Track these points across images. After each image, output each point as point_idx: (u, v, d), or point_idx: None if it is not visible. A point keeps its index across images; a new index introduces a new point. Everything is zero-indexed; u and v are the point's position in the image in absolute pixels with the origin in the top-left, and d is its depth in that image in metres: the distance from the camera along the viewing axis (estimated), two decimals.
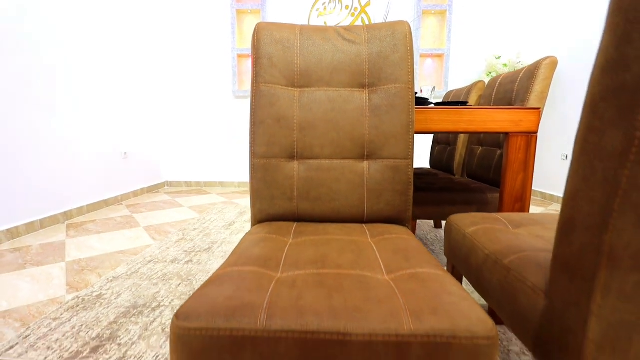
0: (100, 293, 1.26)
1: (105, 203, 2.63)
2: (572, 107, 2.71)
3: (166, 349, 0.95)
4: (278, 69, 0.80)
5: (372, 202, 0.79)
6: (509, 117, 0.98)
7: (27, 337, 1.00)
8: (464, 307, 0.41)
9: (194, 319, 0.40)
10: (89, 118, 2.46)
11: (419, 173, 1.80)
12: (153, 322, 1.08)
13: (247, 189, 3.63)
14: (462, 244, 0.76)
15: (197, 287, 1.32)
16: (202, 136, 3.56)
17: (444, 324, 0.39)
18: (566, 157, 2.79)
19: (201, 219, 2.34)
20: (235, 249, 0.59)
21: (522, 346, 0.93)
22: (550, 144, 2.94)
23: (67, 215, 2.24)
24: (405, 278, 0.48)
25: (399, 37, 0.80)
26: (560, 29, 2.81)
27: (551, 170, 2.93)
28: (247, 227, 2.18)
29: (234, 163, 3.59)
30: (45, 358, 0.90)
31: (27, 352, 0.93)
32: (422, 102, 1.17)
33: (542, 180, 3.01)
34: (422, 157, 3.53)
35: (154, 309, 1.15)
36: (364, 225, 0.78)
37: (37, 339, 0.98)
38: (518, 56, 3.04)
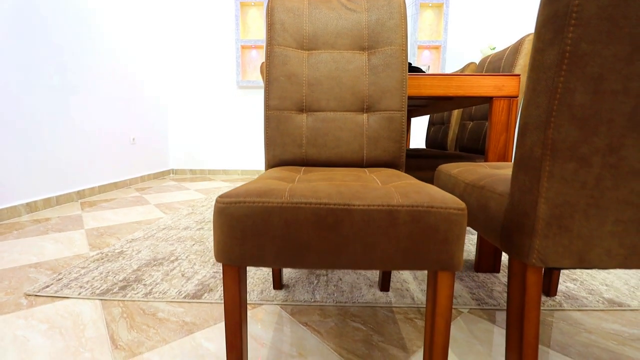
0: (122, 250, 1.38)
1: (115, 185, 2.74)
2: None
3: (188, 287, 1.06)
4: (289, 34, 0.92)
5: (371, 149, 0.91)
6: (493, 82, 1.10)
7: (60, 279, 1.11)
8: (442, 194, 0.53)
9: (233, 197, 0.51)
10: (101, 103, 2.57)
11: (413, 152, 1.92)
12: (173, 270, 1.19)
13: (251, 177, 3.74)
14: (447, 182, 0.88)
15: (210, 247, 1.44)
16: (206, 125, 3.67)
17: (424, 199, 0.51)
18: None
19: (208, 198, 2.46)
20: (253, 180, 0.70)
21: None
22: None
23: (80, 194, 2.35)
24: (397, 184, 0.60)
25: (394, 5, 0.92)
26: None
27: None
28: None
29: (238, 151, 3.71)
30: (79, 293, 1.02)
31: (62, 289, 1.04)
32: (416, 71, 1.29)
33: None
34: (416, 140, 3.65)
35: (172, 261, 1.27)
36: (364, 168, 0.90)
37: (70, 281, 1.10)
38: None
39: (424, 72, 1.35)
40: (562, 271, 1.24)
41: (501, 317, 0.94)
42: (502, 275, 1.21)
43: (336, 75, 0.92)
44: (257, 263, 0.53)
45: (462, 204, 0.51)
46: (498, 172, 0.76)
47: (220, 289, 1.05)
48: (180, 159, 3.73)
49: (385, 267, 0.52)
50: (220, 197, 0.52)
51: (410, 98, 1.19)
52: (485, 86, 1.10)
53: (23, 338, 0.81)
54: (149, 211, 2.06)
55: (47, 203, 2.08)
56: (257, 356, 0.75)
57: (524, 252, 0.56)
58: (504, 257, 1.40)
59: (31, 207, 1.96)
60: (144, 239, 1.51)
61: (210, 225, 1.74)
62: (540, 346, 0.83)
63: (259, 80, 3.53)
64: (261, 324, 0.88)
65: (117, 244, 1.44)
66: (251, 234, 0.51)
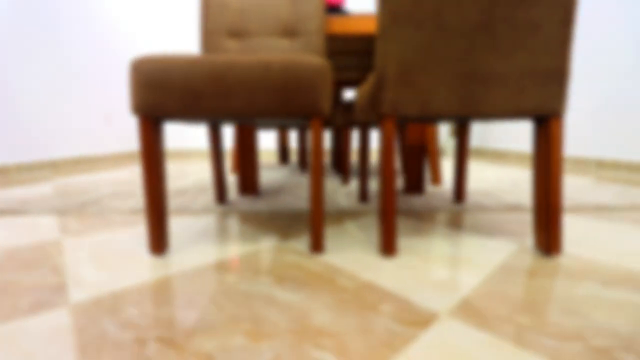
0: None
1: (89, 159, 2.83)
2: None
3: (137, 204, 1.18)
4: None
5: None
6: None
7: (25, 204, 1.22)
8: (310, 56, 0.67)
9: (145, 57, 0.65)
10: (77, 77, 2.66)
11: None
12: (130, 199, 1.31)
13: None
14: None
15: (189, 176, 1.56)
16: None
17: (294, 57, 0.65)
18: None
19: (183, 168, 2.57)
20: None
21: None
22: None
23: (55, 163, 2.44)
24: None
25: None
26: None
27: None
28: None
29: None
30: (39, 212, 1.13)
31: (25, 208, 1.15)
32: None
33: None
34: None
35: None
36: None
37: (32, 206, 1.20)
38: None
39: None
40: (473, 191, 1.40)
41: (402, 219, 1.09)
42: (425, 194, 1.36)
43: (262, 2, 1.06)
44: (164, 112, 0.66)
45: (326, 62, 0.66)
46: None
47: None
48: None
49: (266, 113, 0.66)
50: (136, 57, 0.66)
51: (340, 53, 1.33)
52: None
53: None
54: (133, 171, 2.16)
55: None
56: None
57: (382, 105, 0.70)
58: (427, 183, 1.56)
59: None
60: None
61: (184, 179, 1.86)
62: (451, 230, 0.98)
63: None
64: (206, 220, 1.02)
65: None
66: (158, 87, 0.65)
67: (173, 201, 1.23)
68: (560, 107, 0.70)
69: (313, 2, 1.05)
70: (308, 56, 0.66)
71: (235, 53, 1.05)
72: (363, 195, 1.22)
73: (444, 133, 3.83)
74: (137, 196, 1.35)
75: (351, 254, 0.74)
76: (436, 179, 1.58)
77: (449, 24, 0.66)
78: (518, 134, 3.03)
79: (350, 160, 2.02)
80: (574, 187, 1.56)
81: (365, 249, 0.77)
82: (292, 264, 0.68)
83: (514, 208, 1.13)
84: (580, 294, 0.56)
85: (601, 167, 2.25)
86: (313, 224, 0.73)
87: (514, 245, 0.79)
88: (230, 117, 0.68)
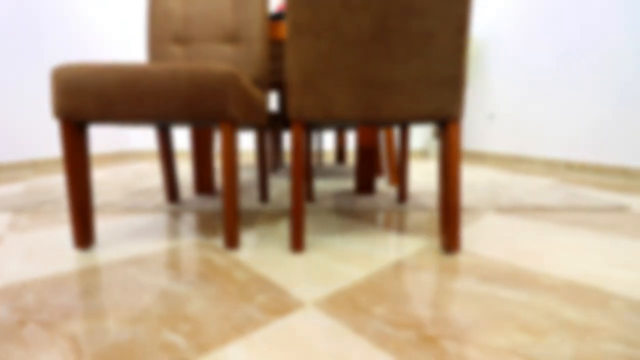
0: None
1: None
2: (494, 73, 3.07)
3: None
4: None
5: None
6: None
7: None
8: (219, 64, 0.72)
9: (65, 65, 0.70)
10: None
11: None
12: None
13: None
14: None
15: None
16: None
17: (201, 65, 0.70)
18: (491, 115, 3.14)
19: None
20: None
21: None
22: (475, 104, 3.30)
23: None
24: None
25: None
26: (482, 4, 3.19)
27: (478, 128, 3.29)
28: None
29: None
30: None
31: None
32: None
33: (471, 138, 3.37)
34: None
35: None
36: None
37: None
38: None
39: None
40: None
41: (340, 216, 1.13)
42: (375, 194, 1.40)
43: (206, 10, 1.11)
44: (82, 116, 0.71)
45: (233, 70, 0.70)
46: None
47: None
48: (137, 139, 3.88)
49: (177, 117, 0.71)
50: (56, 66, 0.70)
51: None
52: None
53: None
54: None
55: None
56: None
57: (289, 110, 0.75)
58: (378, 182, 1.60)
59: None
60: None
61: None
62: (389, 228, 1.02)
63: None
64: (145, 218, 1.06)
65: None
66: (76, 93, 0.69)
67: (128, 200, 1.28)
68: (456, 112, 0.74)
69: (255, 9, 1.10)
70: (215, 64, 0.71)
71: (179, 59, 1.10)
72: (308, 195, 1.26)
73: (427, 135, 3.86)
74: (96, 195, 1.40)
75: (265, 250, 0.78)
76: (394, 179, 1.62)
77: (345, 33, 0.70)
78: (495, 136, 3.06)
79: (309, 160, 2.06)
80: (530, 188, 1.59)
81: (282, 246, 0.81)
82: (201, 259, 0.73)
83: None
84: (452, 288, 0.60)
85: (570, 169, 2.27)
86: (226, 221, 0.78)
87: (424, 243, 0.83)
88: (143, 120, 0.72)
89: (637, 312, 0.52)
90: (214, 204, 1.23)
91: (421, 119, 0.74)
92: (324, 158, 3.53)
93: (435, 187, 1.59)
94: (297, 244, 0.76)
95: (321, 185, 1.68)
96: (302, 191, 0.76)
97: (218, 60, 1.10)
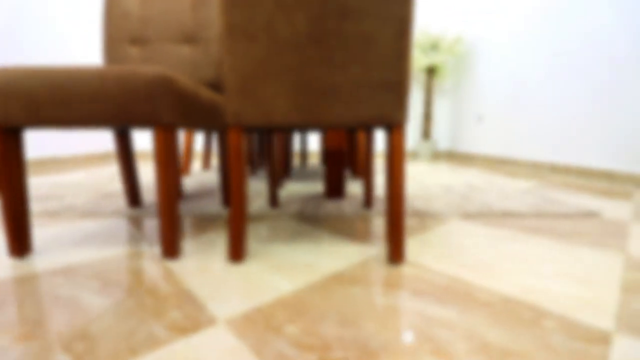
0: None
1: None
2: (483, 75, 3.04)
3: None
4: None
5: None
6: None
7: None
8: (151, 70, 0.69)
9: None
10: None
11: None
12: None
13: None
14: None
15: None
16: None
17: (130, 69, 0.67)
18: (478, 117, 3.11)
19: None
20: None
21: None
22: (464, 106, 3.26)
23: None
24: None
25: None
26: (471, 6, 3.15)
27: (468, 130, 3.25)
28: None
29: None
30: None
31: None
32: None
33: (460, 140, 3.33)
34: None
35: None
36: None
37: None
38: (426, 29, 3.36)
39: None
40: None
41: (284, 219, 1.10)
42: (344, 199, 1.38)
43: (164, 11, 1.08)
44: (11, 122, 0.68)
45: (166, 73, 0.68)
46: None
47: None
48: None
49: (108, 122, 0.68)
50: None
51: None
52: None
53: None
54: None
55: None
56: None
57: (228, 116, 0.72)
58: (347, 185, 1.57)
59: None
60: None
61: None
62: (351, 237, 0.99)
63: None
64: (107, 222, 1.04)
65: None
66: (3, 97, 0.67)
67: (90, 204, 1.26)
68: (399, 117, 0.71)
69: (213, 10, 1.07)
70: (146, 67, 0.68)
71: (136, 60, 1.08)
72: (273, 200, 1.24)
73: (417, 136, 3.82)
74: (62, 199, 1.38)
75: (204, 260, 0.76)
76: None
77: (281, 37, 0.67)
78: (484, 138, 3.03)
79: (289, 162, 2.03)
80: (507, 192, 1.56)
81: (225, 255, 0.78)
82: (134, 270, 0.70)
83: (411, 214, 1.14)
84: (380, 304, 0.58)
85: (554, 172, 2.24)
86: (162, 230, 0.75)
87: (372, 253, 0.80)
88: (75, 125, 0.70)
89: (567, 334, 0.49)
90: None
91: (361, 124, 0.71)
92: (309, 159, 3.50)
93: (412, 190, 1.56)
94: (235, 253, 0.73)
95: (294, 188, 1.66)
96: (243, 198, 0.74)
97: (175, 61, 1.07)
